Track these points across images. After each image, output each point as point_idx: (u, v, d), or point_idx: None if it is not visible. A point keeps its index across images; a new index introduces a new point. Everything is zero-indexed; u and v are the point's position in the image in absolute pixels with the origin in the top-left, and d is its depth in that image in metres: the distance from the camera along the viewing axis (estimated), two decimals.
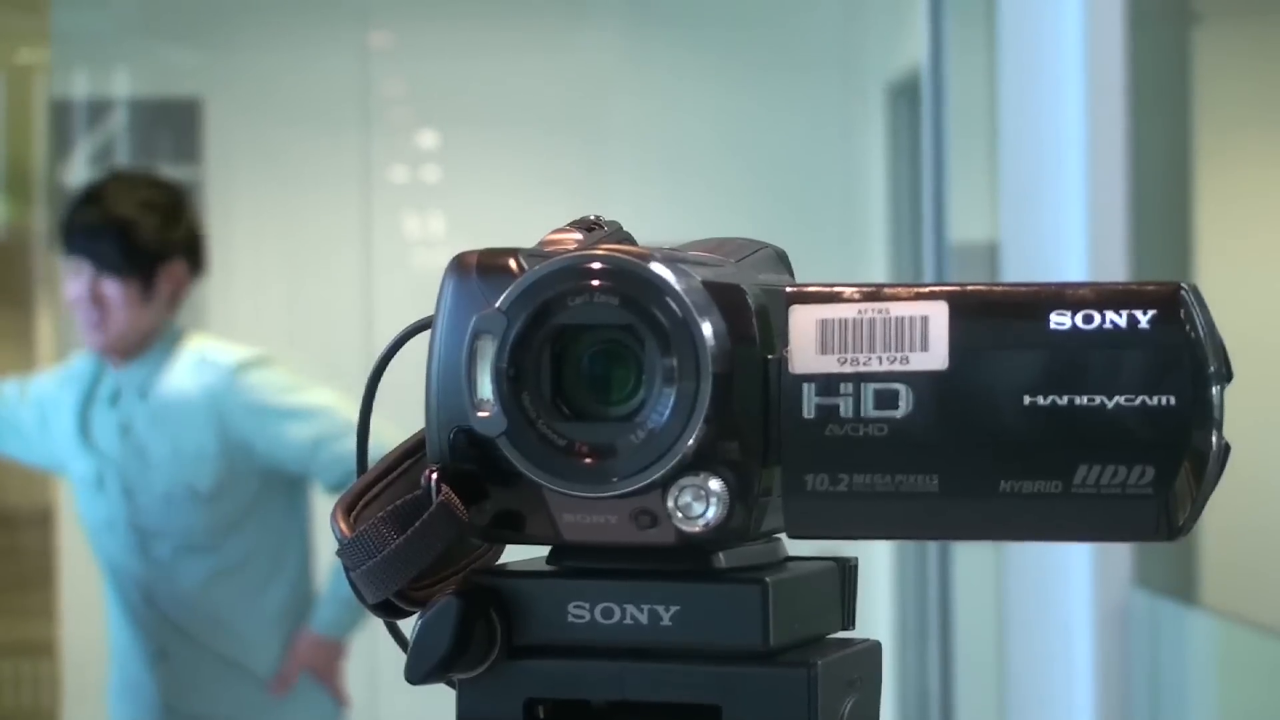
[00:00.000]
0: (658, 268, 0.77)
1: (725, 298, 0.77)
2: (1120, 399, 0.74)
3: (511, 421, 0.78)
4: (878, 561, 4.23)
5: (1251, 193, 3.90)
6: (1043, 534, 0.77)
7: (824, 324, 0.77)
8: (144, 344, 2.97)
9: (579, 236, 0.83)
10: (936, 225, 3.03)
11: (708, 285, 0.77)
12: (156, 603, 3.01)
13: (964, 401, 0.76)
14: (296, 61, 4.58)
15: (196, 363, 2.97)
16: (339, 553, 0.79)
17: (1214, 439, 0.75)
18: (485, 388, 0.78)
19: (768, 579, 0.78)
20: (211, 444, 2.93)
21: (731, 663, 0.78)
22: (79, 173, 4.48)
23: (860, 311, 0.77)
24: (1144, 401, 0.74)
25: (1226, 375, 0.76)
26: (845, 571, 0.84)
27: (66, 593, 4.37)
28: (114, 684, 3.09)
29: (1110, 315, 0.75)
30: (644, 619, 0.78)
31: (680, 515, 0.77)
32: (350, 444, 2.90)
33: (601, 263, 0.77)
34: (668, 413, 0.76)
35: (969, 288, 0.77)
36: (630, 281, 0.77)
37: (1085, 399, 0.75)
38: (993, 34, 2.86)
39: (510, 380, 0.78)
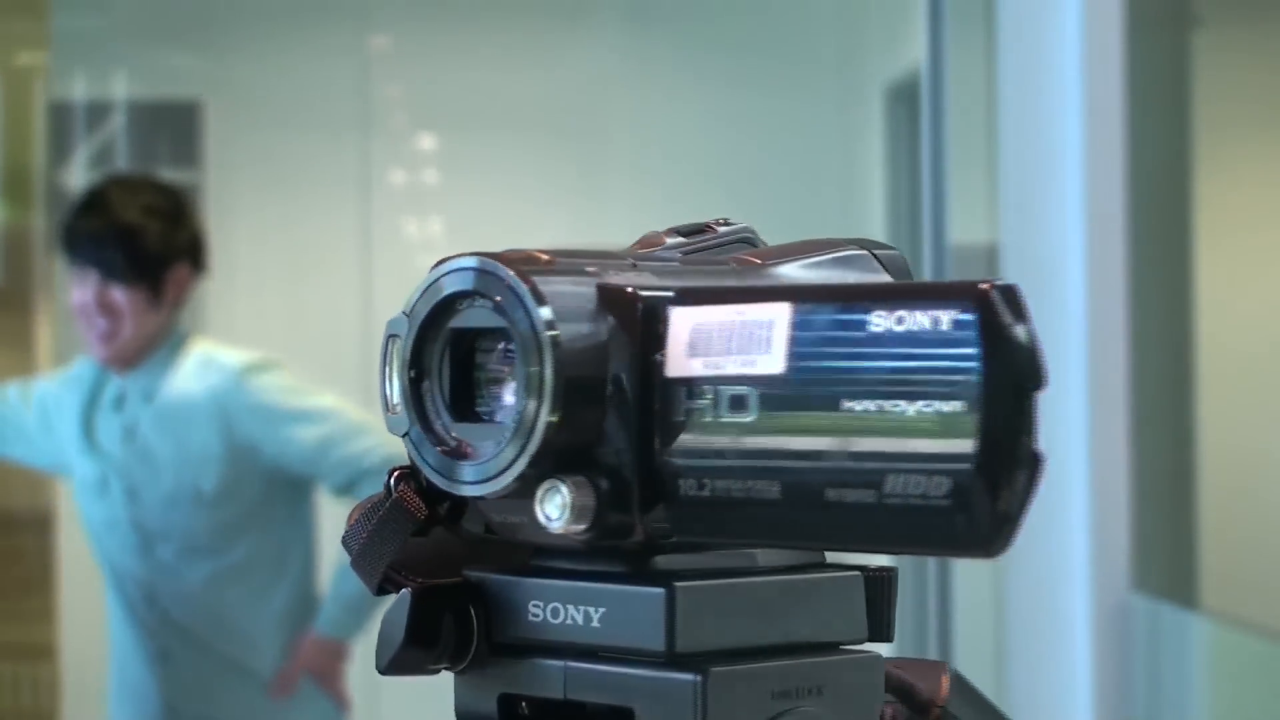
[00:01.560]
0: (516, 271, 0.77)
1: (612, 300, 0.78)
2: (920, 404, 0.72)
3: (412, 422, 0.80)
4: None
5: (1250, 196, 3.90)
6: (867, 545, 0.76)
7: (696, 327, 0.77)
8: (149, 348, 2.97)
9: (668, 238, 0.83)
10: (936, 228, 3.03)
11: (601, 288, 0.78)
12: (159, 604, 3.01)
13: (796, 406, 0.74)
14: (296, 65, 4.58)
15: (201, 366, 2.97)
16: (342, 542, 0.83)
17: (1020, 448, 0.71)
18: (397, 389, 0.80)
19: (678, 583, 0.77)
20: (217, 446, 2.94)
21: (643, 665, 0.78)
22: (78, 176, 4.48)
23: (726, 314, 0.76)
24: (939, 408, 0.71)
25: (1035, 383, 0.71)
26: (873, 582, 0.83)
27: (66, 596, 4.37)
28: (115, 686, 3.09)
29: (918, 316, 0.72)
30: (580, 619, 0.79)
31: (543, 518, 0.77)
32: (356, 446, 2.93)
33: (477, 266, 0.78)
34: (518, 416, 0.77)
35: (814, 289, 0.77)
36: (497, 285, 0.77)
37: (891, 404, 0.72)
38: (992, 36, 2.86)
39: (412, 382, 0.80)
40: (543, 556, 0.81)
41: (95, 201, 3.00)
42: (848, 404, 0.73)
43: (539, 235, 4.31)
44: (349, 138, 4.53)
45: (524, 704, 0.81)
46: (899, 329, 0.72)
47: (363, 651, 3.16)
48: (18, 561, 4.77)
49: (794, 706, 0.79)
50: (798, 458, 0.74)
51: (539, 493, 0.77)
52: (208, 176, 4.52)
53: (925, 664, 0.91)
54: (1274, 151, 4.00)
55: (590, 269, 0.78)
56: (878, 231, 4.42)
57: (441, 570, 0.82)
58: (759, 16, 4.54)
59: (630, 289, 0.78)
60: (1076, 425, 2.72)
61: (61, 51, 4.70)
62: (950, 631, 3.05)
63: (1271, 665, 2.56)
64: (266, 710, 3.03)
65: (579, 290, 0.77)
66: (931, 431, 0.71)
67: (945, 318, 0.71)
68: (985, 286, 0.71)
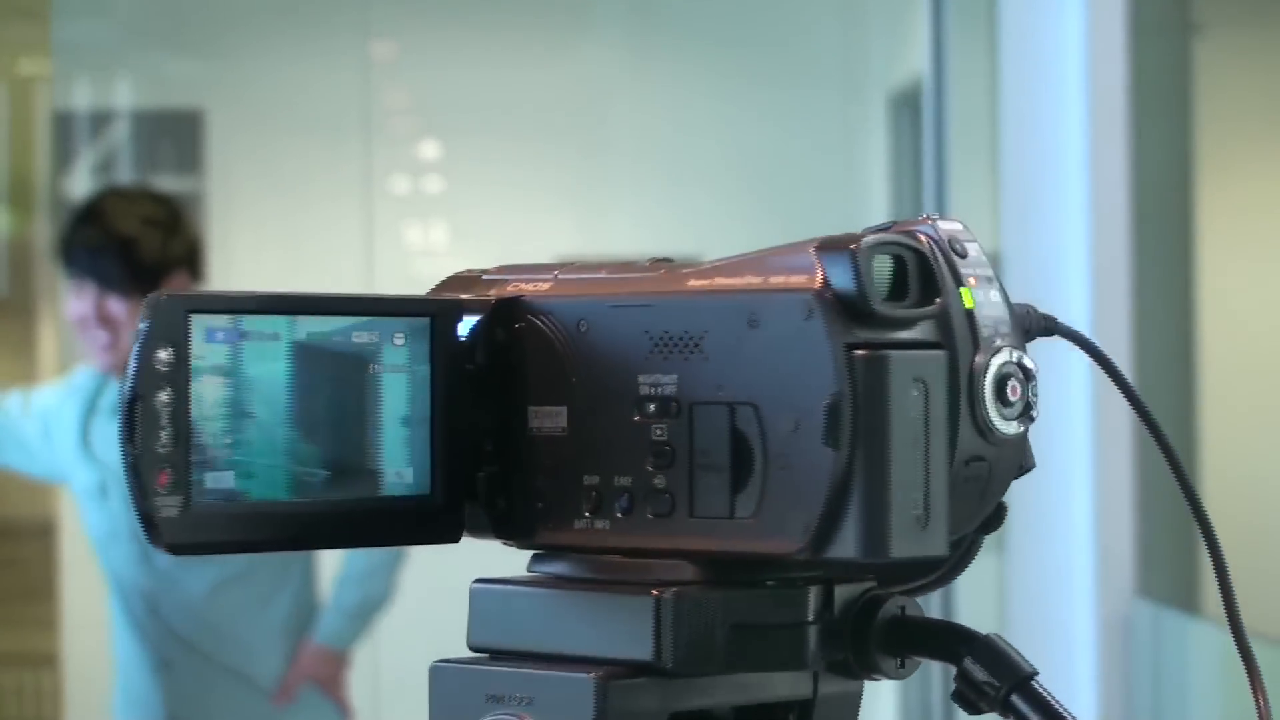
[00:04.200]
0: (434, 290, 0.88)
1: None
2: None
3: None
4: None
5: (1252, 200, 3.90)
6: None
7: None
8: None
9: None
10: None
11: None
12: (161, 613, 3.00)
13: None
14: (298, 72, 4.58)
15: None
16: None
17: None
18: None
19: (475, 582, 0.85)
20: None
21: None
22: (81, 184, 4.48)
23: None
24: None
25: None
26: (659, 604, 0.81)
27: (68, 604, 4.37)
28: (118, 695, 3.09)
29: None
30: None
31: None
32: None
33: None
34: None
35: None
36: None
37: None
38: (994, 43, 2.86)
39: None
40: None
41: (91, 213, 3.00)
42: None
43: (542, 240, 4.30)
44: (351, 144, 4.53)
45: None
46: None
47: (363, 658, 3.16)
48: (20, 569, 4.77)
49: (501, 713, 0.82)
50: None
51: None
52: (210, 184, 4.52)
53: None
54: (1276, 156, 4.00)
55: (509, 281, 0.85)
56: None
57: None
58: (761, 22, 4.54)
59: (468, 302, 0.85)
60: (1080, 432, 2.72)
61: (64, 60, 4.70)
62: None
63: (1276, 671, 2.56)
64: (268, 718, 3.02)
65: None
66: None
67: None
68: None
